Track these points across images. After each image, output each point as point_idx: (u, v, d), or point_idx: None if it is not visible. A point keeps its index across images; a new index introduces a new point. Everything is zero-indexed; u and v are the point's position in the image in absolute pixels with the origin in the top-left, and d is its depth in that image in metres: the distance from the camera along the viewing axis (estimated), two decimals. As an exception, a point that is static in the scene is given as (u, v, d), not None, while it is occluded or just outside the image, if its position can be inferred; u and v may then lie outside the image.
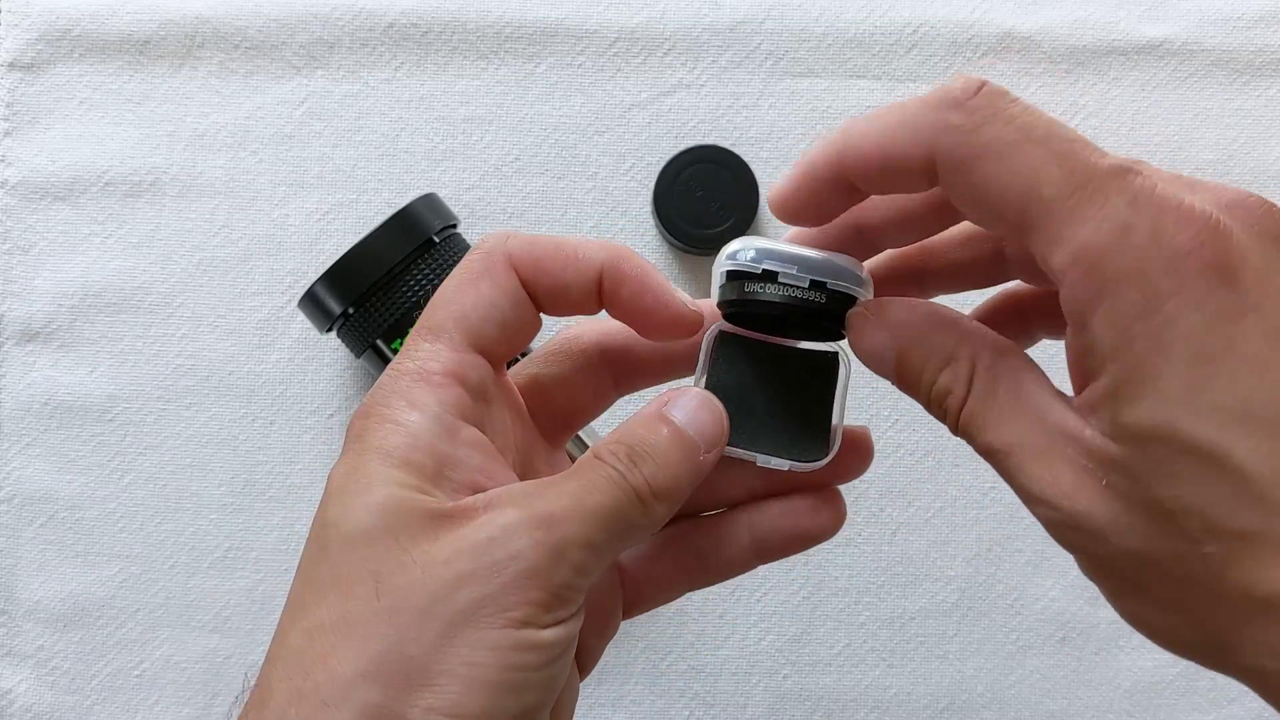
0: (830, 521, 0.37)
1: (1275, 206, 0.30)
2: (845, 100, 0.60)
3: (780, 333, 0.37)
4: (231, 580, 0.58)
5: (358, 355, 0.55)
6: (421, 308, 0.52)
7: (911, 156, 0.31)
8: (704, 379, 0.37)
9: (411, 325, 0.52)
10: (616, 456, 0.33)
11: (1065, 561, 0.57)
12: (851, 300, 0.35)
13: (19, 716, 0.57)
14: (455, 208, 0.57)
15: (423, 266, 0.53)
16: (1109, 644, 0.57)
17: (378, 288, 0.52)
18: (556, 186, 0.60)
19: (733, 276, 0.35)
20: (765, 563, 0.38)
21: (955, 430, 0.32)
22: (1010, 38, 0.60)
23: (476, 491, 0.33)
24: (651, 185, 0.58)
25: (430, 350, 0.34)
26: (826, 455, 0.36)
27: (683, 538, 0.38)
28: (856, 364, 0.35)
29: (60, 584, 0.58)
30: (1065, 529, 0.30)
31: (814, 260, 0.34)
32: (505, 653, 0.30)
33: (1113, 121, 0.60)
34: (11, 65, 0.60)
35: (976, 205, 0.31)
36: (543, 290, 0.35)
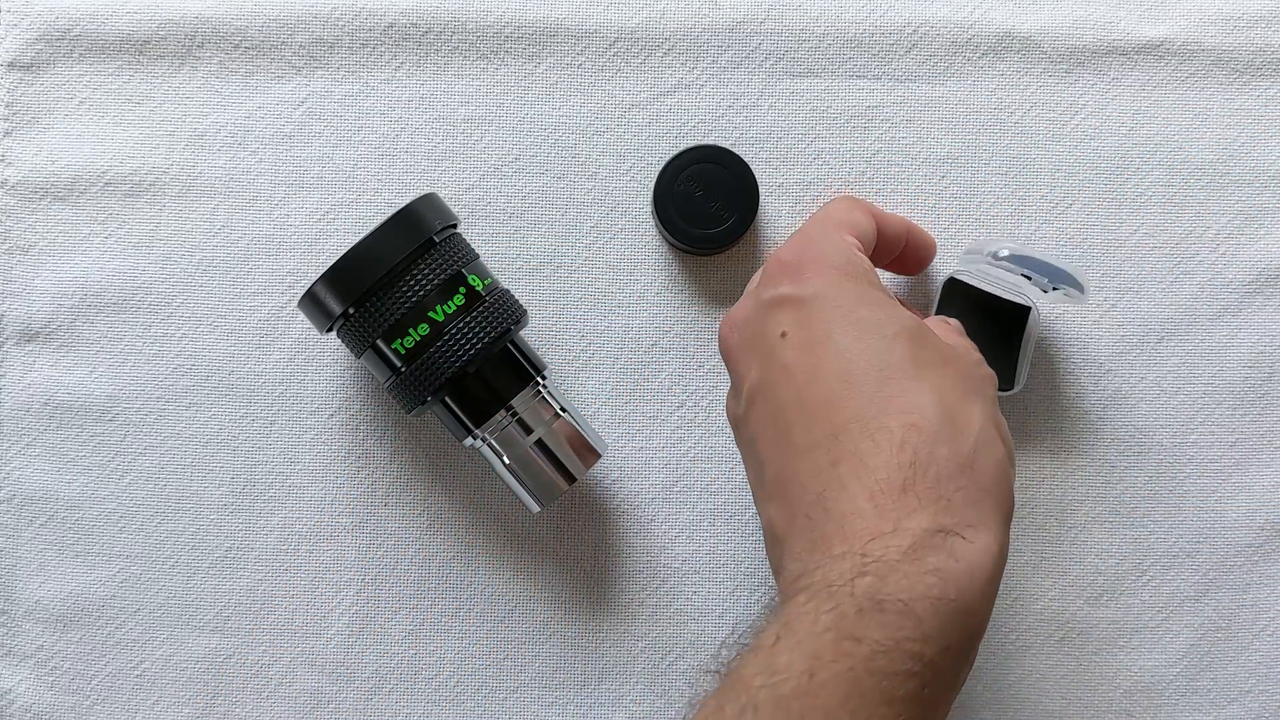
0: None
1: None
2: (845, 100, 0.60)
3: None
4: (231, 580, 0.58)
5: (358, 355, 0.55)
6: (422, 307, 0.53)
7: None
8: (934, 309, 0.56)
9: (412, 325, 0.52)
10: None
11: (1065, 561, 0.58)
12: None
13: (19, 716, 0.57)
14: (455, 208, 0.57)
15: (423, 266, 0.52)
16: (1109, 644, 0.57)
17: (378, 288, 0.52)
18: (556, 186, 0.60)
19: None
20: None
21: None
22: (1010, 38, 0.60)
23: None
24: (651, 185, 0.58)
25: (836, 214, 0.50)
26: (1014, 387, 0.55)
27: None
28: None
29: (60, 584, 0.58)
30: None
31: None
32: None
33: (1113, 121, 0.60)
34: (11, 65, 0.60)
35: None
36: (883, 235, 0.52)
